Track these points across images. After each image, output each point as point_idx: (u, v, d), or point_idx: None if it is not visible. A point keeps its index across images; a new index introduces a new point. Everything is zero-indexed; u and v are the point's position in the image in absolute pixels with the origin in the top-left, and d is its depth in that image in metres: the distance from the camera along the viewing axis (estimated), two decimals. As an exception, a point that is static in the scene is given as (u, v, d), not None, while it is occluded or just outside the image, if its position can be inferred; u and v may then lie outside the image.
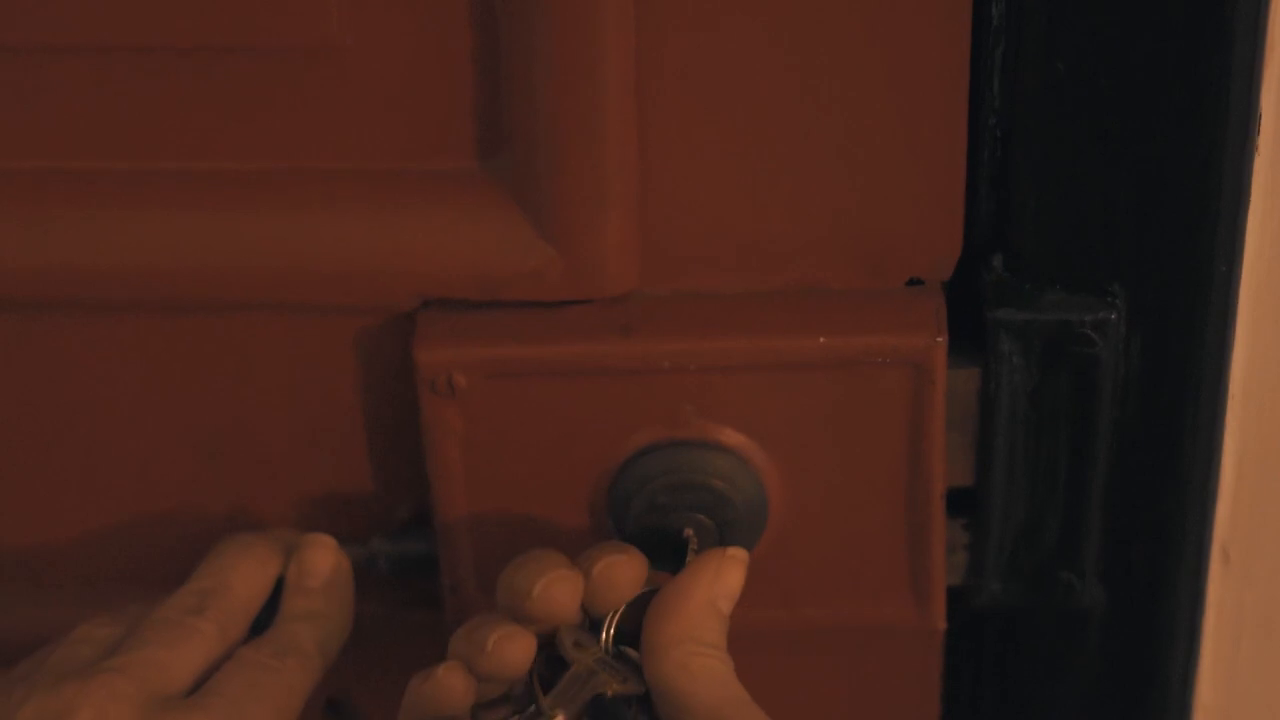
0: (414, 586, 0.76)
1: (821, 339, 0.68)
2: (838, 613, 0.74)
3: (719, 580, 0.63)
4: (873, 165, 0.67)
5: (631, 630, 0.63)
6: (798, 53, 0.65)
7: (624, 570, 0.63)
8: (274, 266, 0.70)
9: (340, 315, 0.71)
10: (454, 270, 0.69)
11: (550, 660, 0.63)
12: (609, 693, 0.60)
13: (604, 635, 0.63)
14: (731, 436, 0.70)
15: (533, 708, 0.61)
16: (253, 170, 0.69)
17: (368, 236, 0.69)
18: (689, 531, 0.68)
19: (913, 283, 0.69)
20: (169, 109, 0.68)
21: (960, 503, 0.72)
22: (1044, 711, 0.77)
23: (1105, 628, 0.75)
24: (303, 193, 0.69)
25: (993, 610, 0.75)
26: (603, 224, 0.67)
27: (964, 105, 0.66)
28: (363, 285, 0.70)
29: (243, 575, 0.68)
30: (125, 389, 0.74)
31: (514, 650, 0.61)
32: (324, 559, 0.70)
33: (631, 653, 0.62)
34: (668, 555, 0.67)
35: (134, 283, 0.71)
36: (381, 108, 0.68)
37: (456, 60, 0.66)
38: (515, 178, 0.68)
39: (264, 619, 0.69)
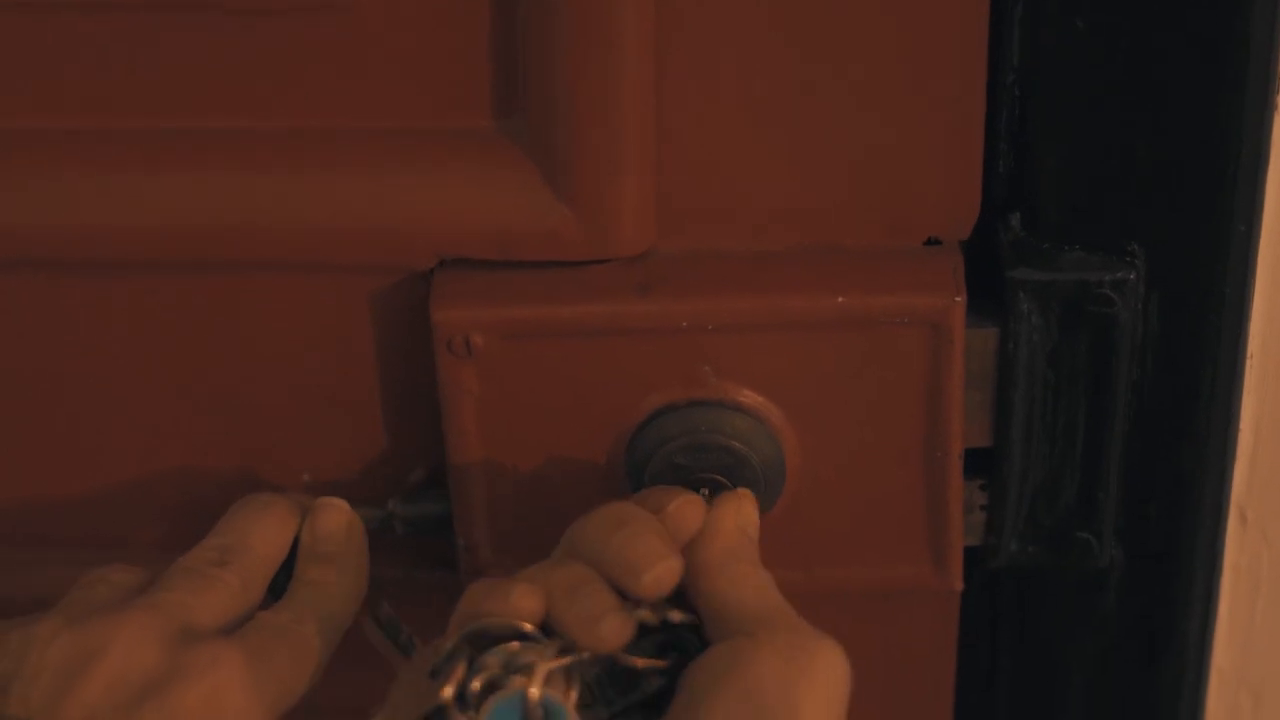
0: (428, 547, 0.76)
1: (839, 299, 0.68)
2: (855, 573, 0.74)
3: (741, 512, 0.66)
4: (891, 124, 0.67)
5: None
6: (816, 12, 0.65)
7: (693, 510, 0.65)
8: (289, 225, 0.70)
9: (356, 275, 0.71)
10: (470, 229, 0.69)
11: None
12: (675, 619, 0.61)
13: None
14: (749, 397, 0.70)
15: None
16: (268, 129, 0.69)
17: (383, 195, 0.69)
18: (705, 491, 0.68)
19: (931, 242, 0.70)
20: (182, 67, 0.69)
21: (978, 463, 0.72)
22: (1060, 671, 0.78)
23: (1122, 588, 0.75)
24: (318, 152, 0.69)
25: (1010, 571, 0.75)
26: (619, 183, 0.67)
27: (983, 63, 0.66)
28: (378, 244, 0.70)
29: (262, 533, 0.69)
30: (138, 349, 0.74)
31: (619, 632, 0.60)
32: (336, 522, 0.70)
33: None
34: None
35: (147, 242, 0.71)
36: (398, 66, 0.68)
37: (473, 19, 0.66)
38: (532, 137, 0.68)
39: (279, 580, 0.69)
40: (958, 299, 0.68)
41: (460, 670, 0.59)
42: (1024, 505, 0.73)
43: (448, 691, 0.58)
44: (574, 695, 0.59)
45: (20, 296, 0.73)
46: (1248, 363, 0.71)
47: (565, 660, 0.59)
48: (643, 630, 0.61)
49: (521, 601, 0.60)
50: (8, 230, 0.71)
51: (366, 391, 0.74)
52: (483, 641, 0.60)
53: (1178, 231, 0.68)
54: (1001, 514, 0.73)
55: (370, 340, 0.73)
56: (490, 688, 0.58)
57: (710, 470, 0.69)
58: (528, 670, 0.58)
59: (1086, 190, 0.68)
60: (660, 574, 0.61)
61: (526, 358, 0.70)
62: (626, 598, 0.61)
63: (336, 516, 0.70)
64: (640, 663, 0.60)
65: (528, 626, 0.60)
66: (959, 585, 0.74)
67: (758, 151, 0.68)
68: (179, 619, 0.64)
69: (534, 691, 0.58)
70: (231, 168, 0.70)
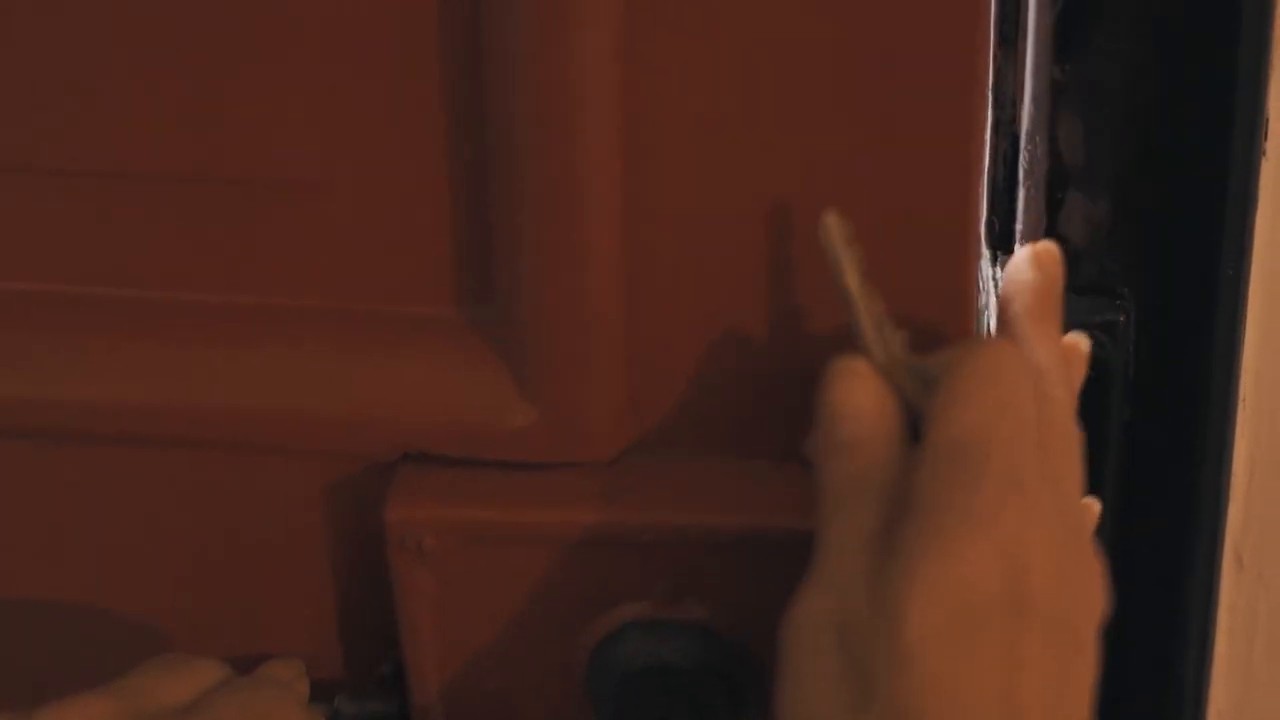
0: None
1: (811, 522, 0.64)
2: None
3: None
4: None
5: None
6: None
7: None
8: (251, 406, 0.70)
9: (321, 460, 0.71)
10: (434, 423, 0.69)
11: None
12: None
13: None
14: (717, 614, 0.69)
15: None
16: (233, 304, 0.69)
17: (346, 380, 0.69)
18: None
19: None
20: (149, 237, 0.69)
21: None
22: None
23: (1118, 630, 0.74)
24: (285, 330, 0.69)
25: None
26: (588, 387, 0.67)
27: (984, 148, 0.66)
28: (341, 432, 0.69)
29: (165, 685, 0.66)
30: (95, 521, 0.74)
31: None
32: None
33: None
34: None
35: (108, 415, 0.71)
36: (372, 247, 0.68)
37: (442, 204, 0.66)
38: (501, 331, 0.68)
39: None
40: None
41: None
42: (1018, 549, 0.75)
43: None
44: None
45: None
46: (1240, 406, 0.73)
47: None
48: None
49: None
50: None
51: (331, 580, 0.74)
52: None
53: (1168, 275, 0.70)
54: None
55: (335, 528, 0.73)
56: None
57: (671, 691, 0.68)
58: None
59: (1077, 233, 0.71)
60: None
61: (484, 561, 0.69)
62: None
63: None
64: None
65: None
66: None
67: (728, 362, 0.68)
68: (138, 704, 0.63)
69: None
70: (196, 343, 0.70)
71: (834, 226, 0.59)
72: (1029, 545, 0.53)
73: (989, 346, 0.57)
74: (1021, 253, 0.64)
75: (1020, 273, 0.63)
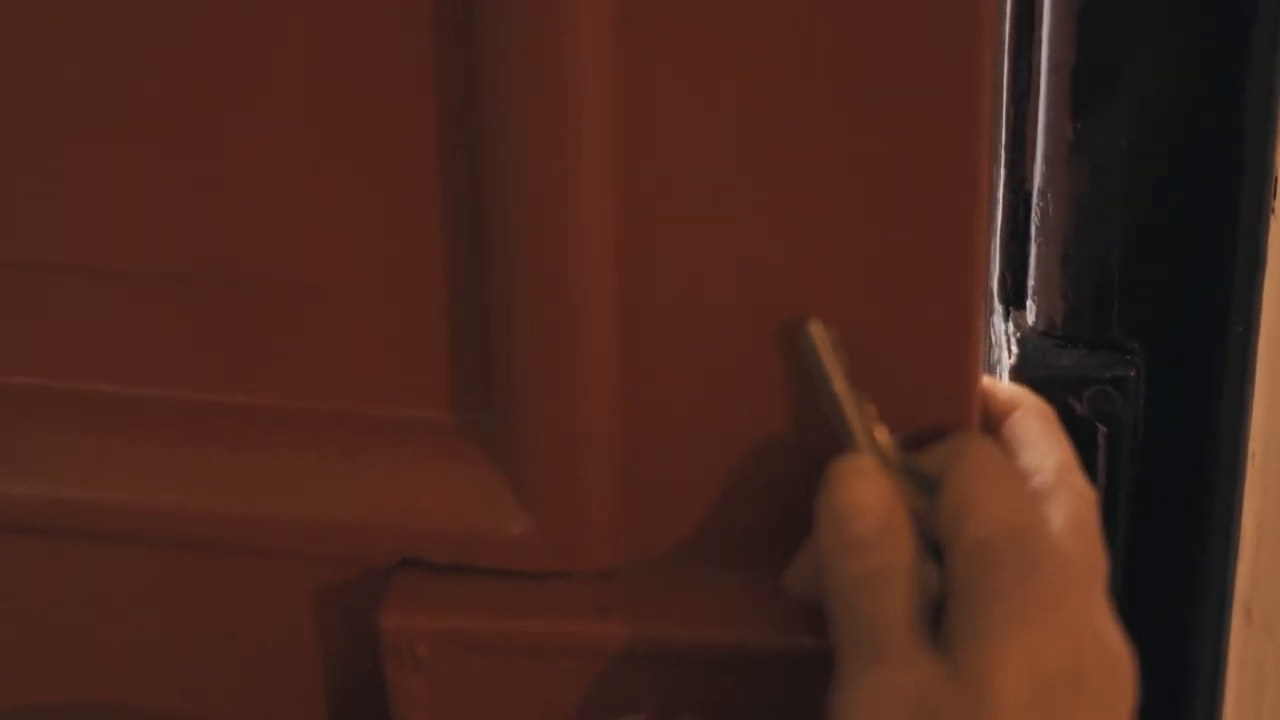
0: None
1: (808, 639, 0.63)
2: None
3: None
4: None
5: None
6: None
7: None
8: (245, 508, 0.68)
9: (318, 565, 0.70)
10: (431, 530, 0.67)
11: None
12: None
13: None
14: None
15: None
16: (229, 405, 0.68)
17: (342, 484, 0.68)
18: None
19: None
20: (146, 335, 0.68)
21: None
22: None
23: None
24: (279, 432, 0.68)
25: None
26: (585, 497, 0.66)
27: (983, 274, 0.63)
28: (337, 536, 0.68)
29: None
30: (88, 620, 0.72)
31: None
32: None
33: None
34: None
35: (102, 513, 0.69)
36: (364, 350, 0.67)
37: (440, 309, 0.66)
38: (498, 439, 0.66)
39: None
40: None
41: None
42: (1030, 604, 0.76)
43: None
44: None
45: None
46: (1249, 460, 0.74)
47: None
48: None
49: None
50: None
51: (326, 686, 0.72)
52: None
53: (1177, 330, 0.72)
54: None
55: (330, 633, 0.71)
56: None
57: None
58: None
59: (1088, 288, 0.72)
60: None
61: (480, 670, 0.67)
62: None
63: None
64: None
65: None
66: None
67: (728, 473, 0.66)
68: None
69: None
70: (191, 443, 0.68)
71: (819, 334, 0.60)
72: (1083, 625, 0.58)
73: (980, 444, 0.60)
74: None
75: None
